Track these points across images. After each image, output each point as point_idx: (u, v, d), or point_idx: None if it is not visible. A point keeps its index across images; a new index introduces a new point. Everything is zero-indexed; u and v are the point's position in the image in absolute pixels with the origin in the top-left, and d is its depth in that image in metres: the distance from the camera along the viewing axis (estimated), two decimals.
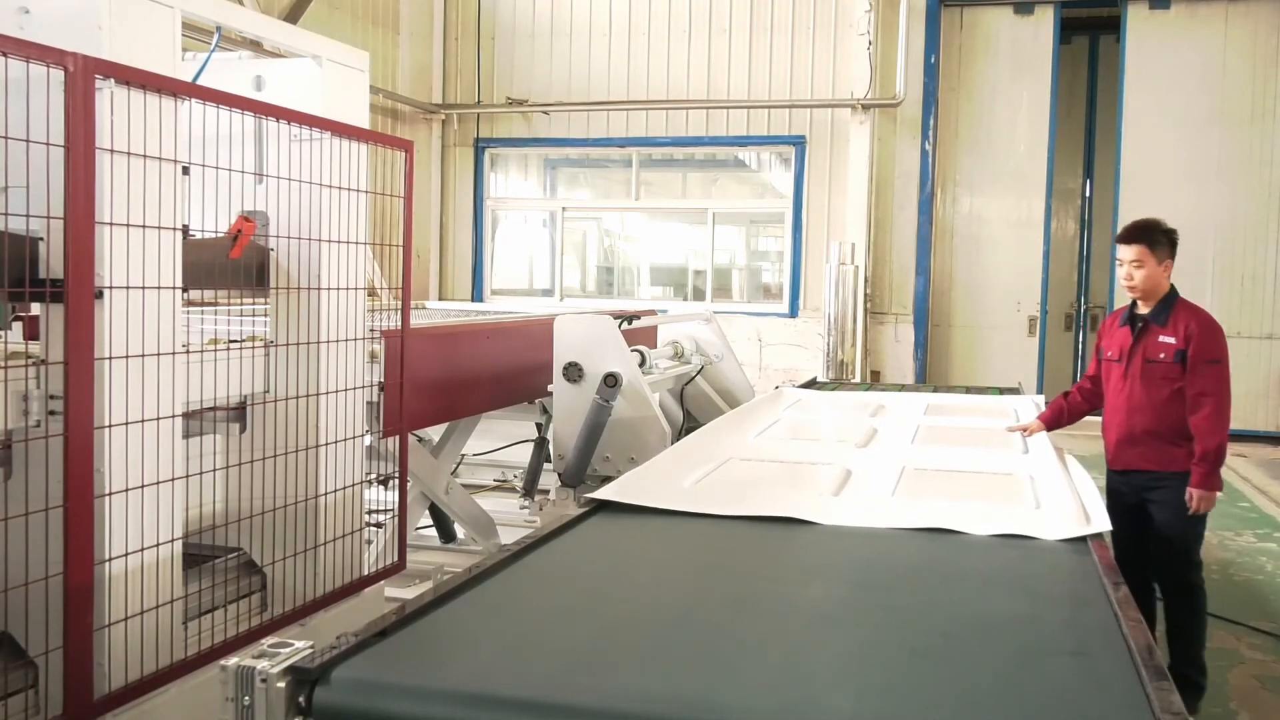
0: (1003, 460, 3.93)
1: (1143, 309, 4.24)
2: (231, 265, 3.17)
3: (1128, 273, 4.20)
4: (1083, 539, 2.84)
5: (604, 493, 3.26)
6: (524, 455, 5.93)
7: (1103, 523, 2.94)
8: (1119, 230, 4.40)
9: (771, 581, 2.52)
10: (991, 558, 2.70)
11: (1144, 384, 4.16)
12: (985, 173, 11.35)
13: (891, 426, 4.62)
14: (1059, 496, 3.26)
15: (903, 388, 6.81)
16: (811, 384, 6.96)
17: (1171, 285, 4.22)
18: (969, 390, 6.50)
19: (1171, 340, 4.11)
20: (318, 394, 3.44)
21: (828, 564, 2.68)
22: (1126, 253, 4.18)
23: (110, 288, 2.59)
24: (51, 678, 2.58)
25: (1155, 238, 4.15)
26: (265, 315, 3.62)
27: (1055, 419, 4.61)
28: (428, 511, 5.57)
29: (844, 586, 2.46)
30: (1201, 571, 4.27)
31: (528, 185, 13.16)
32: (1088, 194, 12.35)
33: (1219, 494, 4.12)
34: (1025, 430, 4.48)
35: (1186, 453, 4.08)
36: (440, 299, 11.94)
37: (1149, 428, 4.16)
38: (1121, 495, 4.26)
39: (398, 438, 3.96)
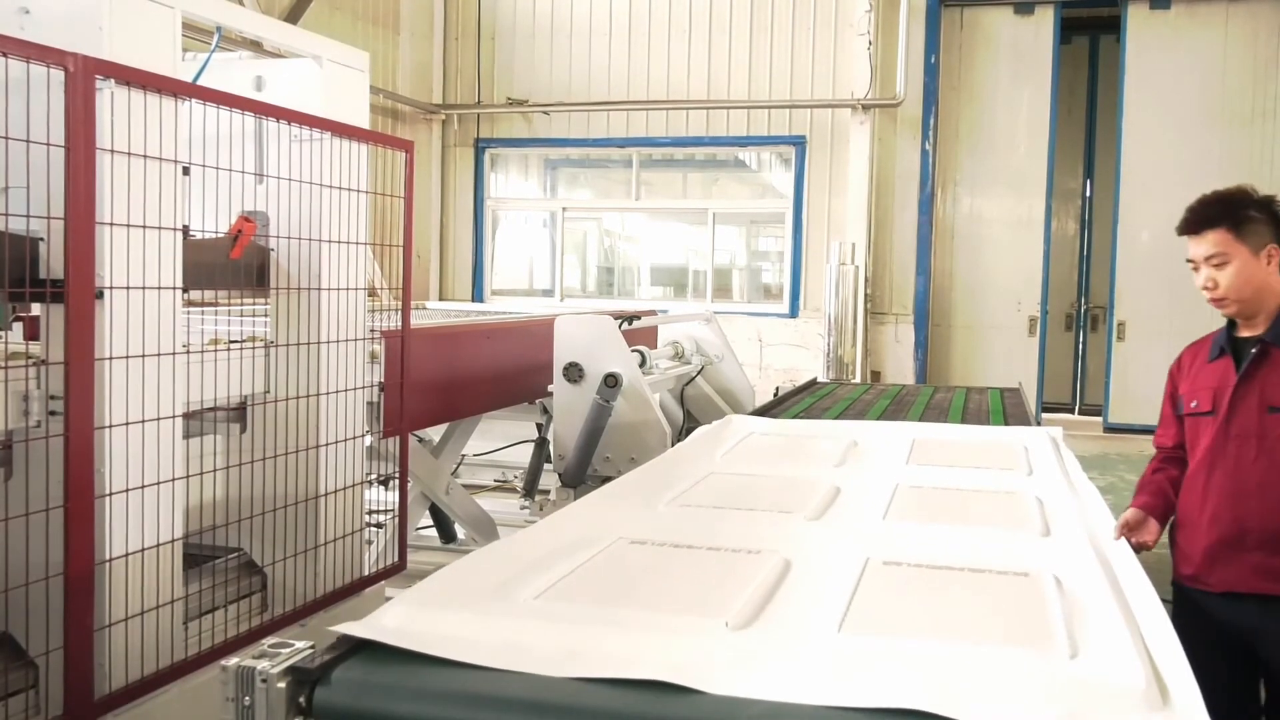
0: (1015, 549, 2.55)
1: (1246, 330, 2.78)
2: (232, 265, 3.17)
3: (1208, 278, 2.75)
4: None
5: (367, 626, 1.94)
6: (524, 456, 5.94)
7: (1193, 708, 1.63)
8: (1183, 216, 2.84)
9: None
10: None
11: (1263, 447, 2.66)
12: (986, 173, 11.34)
13: (860, 484, 3.31)
14: (1106, 624, 1.98)
15: (901, 389, 6.81)
16: (811, 384, 6.98)
17: None
18: (968, 394, 6.50)
19: None
20: (318, 394, 3.45)
21: None
22: (1197, 248, 2.76)
23: (110, 288, 2.59)
24: (52, 678, 2.58)
25: (1242, 214, 2.72)
26: (265, 315, 3.62)
27: (1166, 506, 2.93)
28: (428, 512, 5.58)
29: None
30: None
31: (528, 185, 13.15)
32: (1088, 194, 12.34)
33: None
34: (1137, 541, 2.76)
35: None
36: (440, 299, 11.94)
37: (1273, 523, 2.63)
38: (1223, 631, 2.74)
39: (398, 438, 3.97)
